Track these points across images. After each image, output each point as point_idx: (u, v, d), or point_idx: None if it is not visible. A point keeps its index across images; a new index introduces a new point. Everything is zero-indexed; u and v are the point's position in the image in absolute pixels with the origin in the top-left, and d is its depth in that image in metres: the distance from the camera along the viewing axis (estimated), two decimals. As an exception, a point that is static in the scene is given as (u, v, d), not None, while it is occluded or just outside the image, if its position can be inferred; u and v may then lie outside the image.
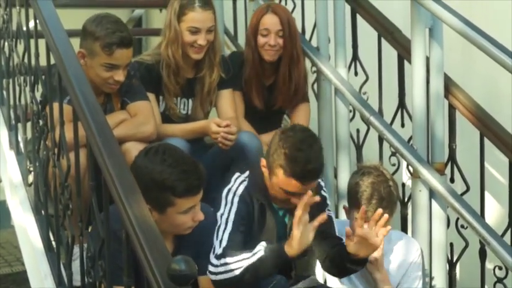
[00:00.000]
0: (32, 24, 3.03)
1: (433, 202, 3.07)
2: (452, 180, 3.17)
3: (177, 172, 2.38)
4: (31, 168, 3.21)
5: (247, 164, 2.91)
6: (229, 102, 3.40)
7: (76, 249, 2.70)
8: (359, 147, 3.71)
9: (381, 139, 3.57)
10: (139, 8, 5.34)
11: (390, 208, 2.72)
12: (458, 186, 3.18)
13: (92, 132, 2.25)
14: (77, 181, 2.54)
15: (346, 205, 2.89)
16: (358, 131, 3.73)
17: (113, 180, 2.10)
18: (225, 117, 3.31)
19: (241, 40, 4.59)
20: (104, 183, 2.18)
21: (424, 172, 2.98)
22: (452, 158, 3.18)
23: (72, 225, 2.62)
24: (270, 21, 3.40)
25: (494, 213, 3.52)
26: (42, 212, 3.05)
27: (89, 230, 2.51)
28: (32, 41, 3.02)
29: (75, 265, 2.66)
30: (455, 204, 2.89)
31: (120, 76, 2.96)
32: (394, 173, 3.49)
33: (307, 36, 3.84)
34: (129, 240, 2.03)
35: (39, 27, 2.88)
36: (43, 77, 2.97)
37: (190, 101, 3.39)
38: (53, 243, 2.95)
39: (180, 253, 2.17)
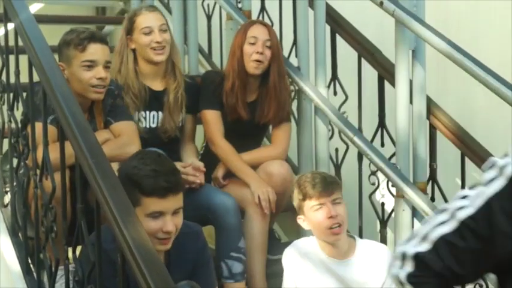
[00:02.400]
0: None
1: (416, 221, 3.09)
2: (433, 199, 3.19)
3: (148, 169, 2.37)
4: (7, 189, 3.14)
5: None
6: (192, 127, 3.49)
7: (59, 272, 2.64)
8: (338, 167, 3.72)
9: (360, 158, 3.59)
10: (109, 24, 5.30)
11: None
12: (439, 205, 3.20)
13: (83, 153, 2.20)
14: (63, 203, 2.48)
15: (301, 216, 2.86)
16: (337, 150, 3.74)
17: (108, 202, 2.05)
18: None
19: (216, 59, 4.59)
20: (96, 205, 2.14)
21: (409, 191, 3.00)
22: (433, 177, 3.21)
23: (57, 247, 2.56)
24: (259, 30, 3.39)
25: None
26: (20, 234, 2.98)
27: (75, 253, 2.45)
28: (12, 57, 2.95)
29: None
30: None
31: (101, 73, 2.94)
32: (373, 192, 3.52)
33: (285, 54, 3.84)
34: (124, 264, 1.99)
35: (20, 43, 2.82)
36: (24, 94, 2.90)
37: (160, 113, 3.37)
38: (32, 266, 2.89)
39: (172, 272, 2.12)
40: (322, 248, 2.76)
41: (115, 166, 2.77)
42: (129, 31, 3.36)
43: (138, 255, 1.90)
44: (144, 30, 3.31)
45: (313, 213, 2.71)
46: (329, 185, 2.73)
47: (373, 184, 3.50)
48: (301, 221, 2.79)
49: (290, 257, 2.82)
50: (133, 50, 3.36)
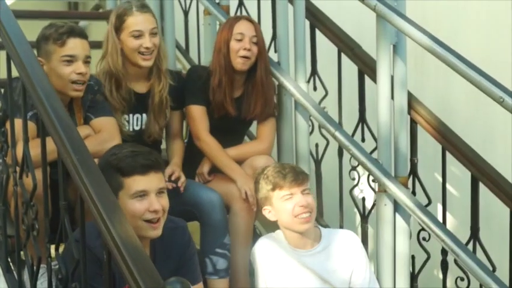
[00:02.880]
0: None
1: (397, 216, 3.09)
2: (413, 193, 3.20)
3: (126, 152, 2.43)
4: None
5: None
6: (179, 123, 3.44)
7: (41, 270, 2.60)
8: (318, 162, 3.72)
9: (340, 153, 3.59)
10: (84, 19, 5.25)
11: None
12: (420, 199, 3.21)
13: (66, 149, 2.17)
14: (45, 200, 2.45)
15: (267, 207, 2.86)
16: (317, 145, 3.74)
17: (93, 199, 2.02)
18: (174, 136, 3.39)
19: (193, 54, 4.57)
20: (80, 202, 2.11)
21: (391, 186, 3.00)
22: (413, 171, 3.22)
23: (39, 245, 2.52)
24: (245, 26, 3.37)
25: (455, 226, 3.57)
26: (-2, 232, 2.94)
27: (58, 250, 2.42)
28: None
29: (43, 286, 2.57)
30: (423, 217, 2.91)
31: (81, 68, 2.91)
32: (353, 187, 3.52)
33: (265, 50, 3.83)
34: (110, 261, 1.97)
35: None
36: (2, 90, 2.86)
37: (144, 116, 3.32)
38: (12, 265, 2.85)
39: (157, 267, 2.10)
40: (289, 240, 2.80)
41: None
42: (117, 29, 3.23)
43: (126, 252, 1.88)
44: (134, 34, 3.19)
45: (283, 203, 2.74)
46: (299, 175, 2.77)
47: (354, 179, 3.50)
48: (266, 212, 2.82)
49: (257, 258, 2.83)
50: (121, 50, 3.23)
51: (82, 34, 2.98)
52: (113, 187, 2.31)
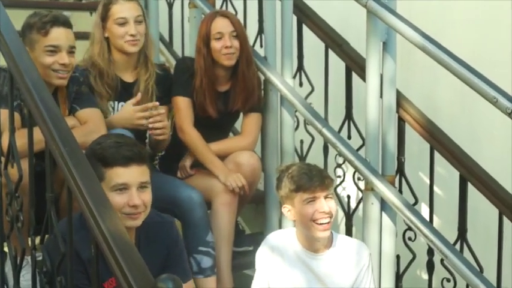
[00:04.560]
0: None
1: (383, 214, 3.08)
2: (400, 192, 3.18)
3: (110, 142, 2.39)
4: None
5: None
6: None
7: (24, 262, 2.55)
8: (303, 159, 3.70)
9: (325, 150, 3.57)
10: (66, 10, 5.16)
11: None
12: (407, 198, 3.20)
13: (54, 140, 2.12)
14: (30, 191, 2.39)
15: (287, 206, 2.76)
16: (302, 142, 3.72)
17: (82, 192, 1.98)
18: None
19: (176, 47, 4.52)
20: (68, 194, 2.07)
21: (378, 184, 2.98)
22: (400, 170, 3.21)
23: (23, 237, 2.47)
24: (222, 23, 3.33)
25: (440, 226, 3.56)
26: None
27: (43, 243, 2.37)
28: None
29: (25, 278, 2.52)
30: (411, 216, 2.89)
31: (64, 59, 2.87)
32: (339, 185, 3.50)
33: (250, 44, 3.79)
34: (98, 256, 1.93)
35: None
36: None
37: None
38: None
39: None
40: (300, 241, 2.71)
41: None
42: (103, 18, 3.24)
43: (116, 247, 1.84)
44: (119, 21, 3.20)
45: (304, 206, 2.63)
46: (325, 179, 2.65)
47: (339, 177, 3.49)
48: (285, 210, 2.70)
49: (263, 256, 2.73)
50: (107, 38, 3.25)
51: (66, 23, 2.94)
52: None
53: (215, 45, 3.31)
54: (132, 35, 3.19)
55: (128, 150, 2.36)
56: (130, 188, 2.36)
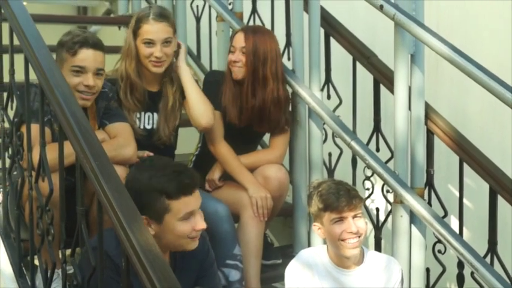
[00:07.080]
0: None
1: (413, 227, 3.06)
2: (429, 205, 3.17)
3: (167, 173, 2.37)
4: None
5: None
6: None
7: (54, 275, 2.58)
8: (331, 171, 3.69)
9: (354, 163, 3.57)
10: (95, 24, 5.23)
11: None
12: (437, 211, 3.18)
13: (85, 155, 2.14)
14: (61, 205, 2.42)
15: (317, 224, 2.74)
16: (330, 154, 3.72)
17: (113, 206, 2.00)
18: None
19: (204, 60, 4.55)
20: (99, 208, 2.09)
21: (408, 197, 2.97)
22: (430, 183, 3.19)
23: (53, 250, 2.50)
24: (237, 38, 3.36)
25: (470, 239, 3.54)
26: (12, 235, 2.91)
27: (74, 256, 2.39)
28: (6, 57, 2.88)
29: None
30: (440, 229, 2.87)
31: (89, 81, 2.88)
32: (367, 197, 3.50)
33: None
34: (129, 269, 1.94)
35: (16, 42, 2.75)
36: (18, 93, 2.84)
37: (155, 115, 3.30)
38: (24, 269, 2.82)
39: (177, 276, 2.08)
40: (331, 257, 2.69)
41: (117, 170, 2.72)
42: (135, 34, 3.23)
43: (146, 260, 1.86)
44: (146, 41, 3.19)
45: (331, 226, 2.61)
46: (353, 199, 2.61)
47: (368, 189, 3.48)
48: (316, 228, 2.69)
49: (293, 271, 2.70)
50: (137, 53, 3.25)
51: (97, 45, 2.93)
52: (156, 211, 2.33)
53: (229, 57, 3.38)
54: (157, 57, 3.19)
55: (186, 178, 2.38)
56: (195, 214, 2.40)
